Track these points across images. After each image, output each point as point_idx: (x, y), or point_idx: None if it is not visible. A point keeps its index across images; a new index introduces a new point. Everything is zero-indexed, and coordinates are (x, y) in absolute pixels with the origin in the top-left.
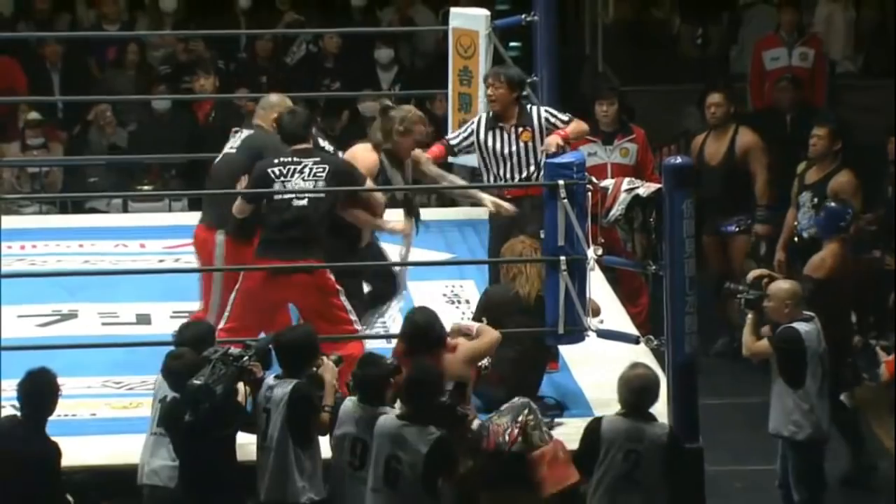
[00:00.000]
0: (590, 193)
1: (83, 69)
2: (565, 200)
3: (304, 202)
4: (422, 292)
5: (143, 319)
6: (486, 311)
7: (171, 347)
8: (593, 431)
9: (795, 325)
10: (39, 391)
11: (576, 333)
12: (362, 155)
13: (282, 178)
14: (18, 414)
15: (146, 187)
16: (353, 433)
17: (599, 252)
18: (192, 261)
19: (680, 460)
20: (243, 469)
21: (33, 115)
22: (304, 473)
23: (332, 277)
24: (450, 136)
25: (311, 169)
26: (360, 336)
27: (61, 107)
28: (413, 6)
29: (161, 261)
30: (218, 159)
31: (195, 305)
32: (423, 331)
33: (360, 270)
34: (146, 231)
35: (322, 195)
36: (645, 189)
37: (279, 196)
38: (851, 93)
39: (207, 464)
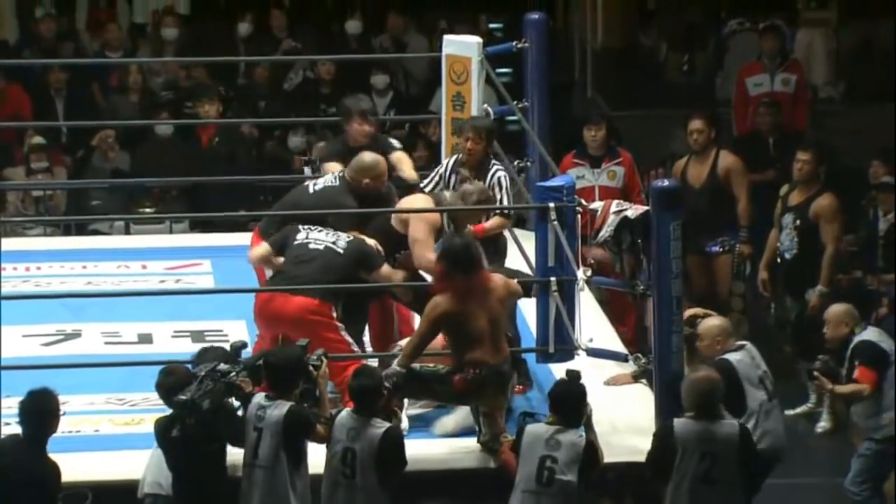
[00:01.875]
0: (579, 215)
1: (87, 95)
2: (555, 222)
3: (321, 247)
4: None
5: (145, 339)
6: None
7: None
8: (667, 435)
9: (727, 356)
10: (40, 411)
11: (566, 352)
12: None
13: (307, 230)
14: (20, 433)
15: (148, 210)
16: (345, 443)
17: (589, 273)
18: (192, 281)
19: (754, 456)
20: (233, 483)
21: (37, 139)
22: (297, 492)
23: (333, 315)
24: (424, 184)
25: (335, 234)
26: (358, 356)
27: (65, 132)
28: (407, 32)
29: (162, 281)
30: (298, 188)
31: (196, 325)
32: (460, 252)
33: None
34: (148, 252)
35: (340, 251)
36: (633, 211)
37: (299, 241)
38: (834, 117)
39: (197, 478)
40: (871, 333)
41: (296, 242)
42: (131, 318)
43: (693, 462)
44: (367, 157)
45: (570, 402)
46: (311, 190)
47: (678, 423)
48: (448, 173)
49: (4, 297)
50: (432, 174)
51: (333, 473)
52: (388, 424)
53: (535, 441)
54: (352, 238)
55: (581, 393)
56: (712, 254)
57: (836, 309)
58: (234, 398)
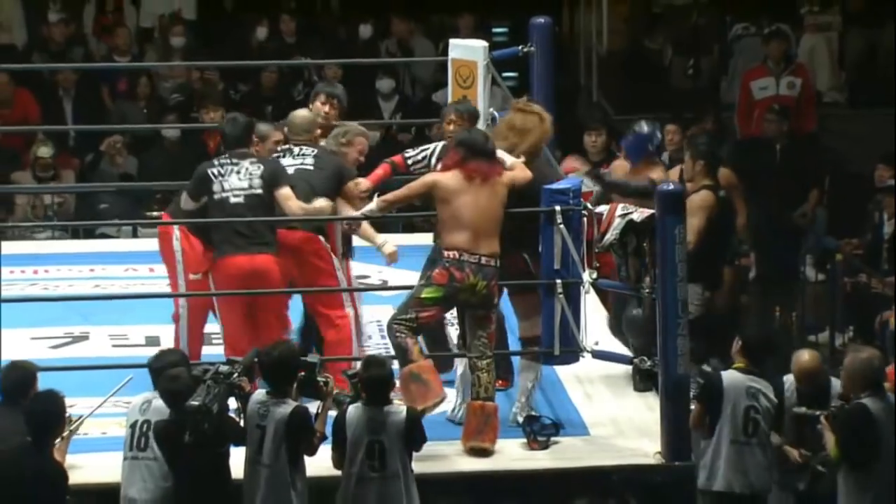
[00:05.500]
0: (585, 219)
1: (95, 99)
2: (562, 225)
3: (241, 199)
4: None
5: (153, 341)
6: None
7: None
8: (869, 419)
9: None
10: (46, 413)
11: (571, 354)
12: None
13: (220, 178)
14: (27, 437)
15: (155, 214)
16: (368, 437)
17: (594, 275)
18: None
19: None
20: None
21: (44, 150)
22: (297, 491)
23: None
24: (407, 152)
25: (247, 168)
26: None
27: (73, 135)
28: (413, 37)
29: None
30: None
31: (209, 328)
32: (472, 139)
33: None
34: (155, 256)
35: (259, 192)
36: (639, 214)
37: (217, 195)
38: (839, 122)
39: (206, 481)
40: None
41: (215, 196)
42: (139, 321)
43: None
44: (297, 116)
45: (766, 348)
46: (304, 165)
47: (870, 402)
48: (435, 161)
49: (11, 300)
50: (417, 152)
51: (358, 470)
52: (404, 407)
53: (736, 392)
54: (259, 166)
55: (772, 338)
56: None
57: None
58: (234, 398)
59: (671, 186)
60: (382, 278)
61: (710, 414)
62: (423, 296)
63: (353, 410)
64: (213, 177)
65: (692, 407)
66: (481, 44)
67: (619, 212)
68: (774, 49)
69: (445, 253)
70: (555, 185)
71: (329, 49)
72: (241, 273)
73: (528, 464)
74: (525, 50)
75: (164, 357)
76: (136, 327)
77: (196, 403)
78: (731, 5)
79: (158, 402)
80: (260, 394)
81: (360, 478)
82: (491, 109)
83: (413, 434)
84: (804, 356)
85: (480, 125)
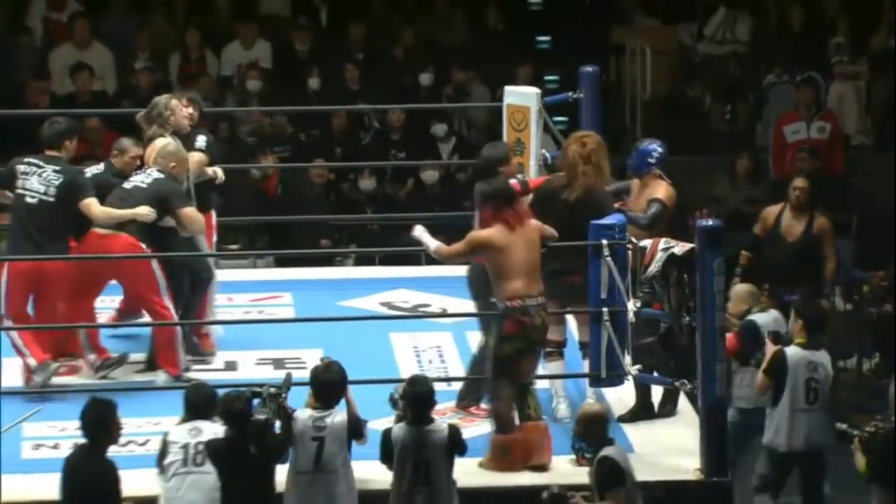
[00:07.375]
0: (629, 251)
1: None
2: (608, 258)
3: (34, 202)
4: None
5: (231, 366)
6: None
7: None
8: (891, 441)
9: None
10: (97, 418)
11: (617, 377)
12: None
13: (24, 176)
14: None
15: (233, 246)
16: (415, 456)
17: (639, 304)
18: (274, 313)
19: None
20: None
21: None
22: (354, 490)
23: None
24: None
25: (48, 174)
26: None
27: None
28: (470, 84)
29: (247, 312)
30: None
31: (277, 353)
32: (500, 189)
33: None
34: (233, 286)
35: (51, 200)
36: (680, 248)
37: (19, 191)
38: (866, 164)
39: (259, 493)
40: (762, 317)
41: (17, 191)
42: (219, 347)
43: None
44: (171, 144)
45: (822, 323)
46: (142, 184)
47: None
48: None
49: (101, 326)
50: None
51: (408, 485)
52: (445, 424)
53: (796, 365)
54: (60, 176)
55: (827, 316)
56: (791, 303)
57: (739, 287)
58: (278, 419)
59: (710, 223)
60: (442, 306)
61: (776, 385)
62: (499, 349)
63: (398, 430)
64: (19, 173)
65: (759, 377)
66: (534, 90)
67: (661, 245)
68: (805, 95)
69: (508, 303)
70: (602, 221)
71: (392, 96)
72: (24, 274)
73: (577, 479)
74: (574, 96)
75: (200, 389)
76: (217, 353)
77: (262, 418)
78: (766, 55)
79: (207, 426)
80: (304, 411)
81: (409, 492)
82: (543, 150)
83: (456, 447)
84: (591, 407)
85: (532, 165)
